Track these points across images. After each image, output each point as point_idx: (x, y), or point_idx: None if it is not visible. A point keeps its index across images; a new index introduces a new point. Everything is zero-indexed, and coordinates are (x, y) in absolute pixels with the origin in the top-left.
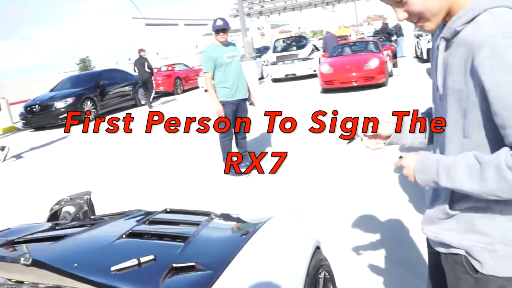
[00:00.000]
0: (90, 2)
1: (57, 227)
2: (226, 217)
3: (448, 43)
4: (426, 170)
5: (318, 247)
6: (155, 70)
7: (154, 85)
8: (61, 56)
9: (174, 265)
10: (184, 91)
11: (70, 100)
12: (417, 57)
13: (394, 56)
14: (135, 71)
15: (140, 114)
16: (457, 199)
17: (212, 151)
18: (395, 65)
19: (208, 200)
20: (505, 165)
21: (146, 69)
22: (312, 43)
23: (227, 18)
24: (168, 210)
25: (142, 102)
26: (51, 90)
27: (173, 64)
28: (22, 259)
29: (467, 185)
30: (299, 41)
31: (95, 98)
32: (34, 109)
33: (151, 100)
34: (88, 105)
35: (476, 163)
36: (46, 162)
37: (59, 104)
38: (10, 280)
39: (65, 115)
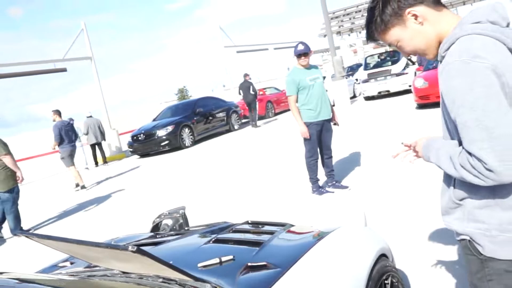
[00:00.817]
0: (184, 34)
1: (157, 236)
2: (299, 226)
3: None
4: (428, 146)
5: (384, 255)
6: None
7: (257, 106)
8: (161, 87)
9: (249, 264)
10: (276, 114)
11: (170, 128)
12: None
13: None
14: (240, 93)
15: (233, 139)
16: (458, 190)
17: (298, 169)
18: None
19: (289, 213)
20: (458, 162)
21: (251, 92)
22: (406, 57)
23: (315, 40)
24: (249, 221)
25: (235, 127)
26: (154, 120)
27: (264, 88)
28: (130, 247)
29: (443, 165)
30: (392, 56)
31: (192, 125)
32: (140, 138)
33: (256, 120)
34: (186, 132)
35: (451, 152)
36: (150, 181)
37: (161, 132)
38: (121, 271)
39: (166, 142)
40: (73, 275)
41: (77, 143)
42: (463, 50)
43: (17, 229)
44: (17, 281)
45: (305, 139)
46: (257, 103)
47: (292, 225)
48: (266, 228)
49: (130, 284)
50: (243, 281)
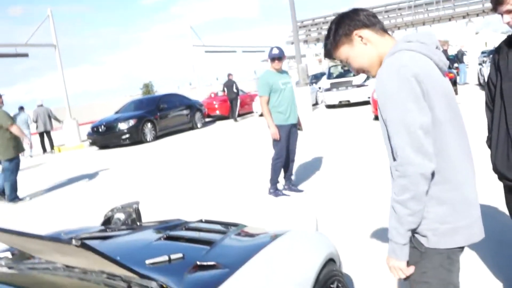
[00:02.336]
0: (154, 30)
1: (108, 230)
2: (251, 228)
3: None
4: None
5: (332, 259)
6: (212, 95)
7: (239, 103)
8: (127, 81)
9: (198, 263)
10: (239, 115)
11: (132, 122)
12: (480, 84)
13: (454, 83)
14: (223, 91)
15: (195, 137)
16: None
17: (255, 169)
18: (455, 93)
19: (243, 213)
20: (393, 200)
21: (234, 89)
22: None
23: (283, 47)
24: (203, 220)
25: (198, 125)
26: (116, 112)
27: None
28: (74, 241)
29: (396, 219)
30: None
31: (155, 120)
32: (100, 130)
33: (236, 116)
34: (148, 127)
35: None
36: (106, 174)
37: (122, 126)
38: (64, 265)
39: (127, 135)
40: (13, 268)
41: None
42: (394, 62)
43: (12, 196)
44: None
45: (274, 141)
46: (239, 100)
47: (245, 226)
48: (219, 227)
49: (72, 280)
50: (189, 280)
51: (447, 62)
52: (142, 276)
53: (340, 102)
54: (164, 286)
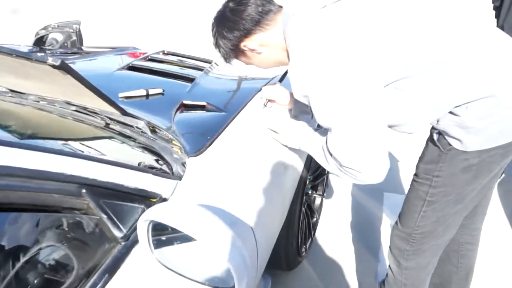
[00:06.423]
0: None
1: (47, 52)
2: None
3: None
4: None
5: None
6: None
7: None
8: None
9: (184, 101)
10: None
11: None
12: None
13: None
14: None
15: None
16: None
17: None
18: None
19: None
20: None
21: None
22: None
23: None
24: (165, 51)
25: None
26: None
27: None
28: (50, 59)
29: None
30: None
31: None
32: None
33: None
34: None
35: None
36: None
37: None
38: (12, 90)
39: None
40: None
41: None
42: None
43: None
44: None
45: None
46: None
47: (218, 64)
48: (189, 62)
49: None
50: (182, 123)
51: None
52: (126, 113)
53: None
54: (154, 127)
